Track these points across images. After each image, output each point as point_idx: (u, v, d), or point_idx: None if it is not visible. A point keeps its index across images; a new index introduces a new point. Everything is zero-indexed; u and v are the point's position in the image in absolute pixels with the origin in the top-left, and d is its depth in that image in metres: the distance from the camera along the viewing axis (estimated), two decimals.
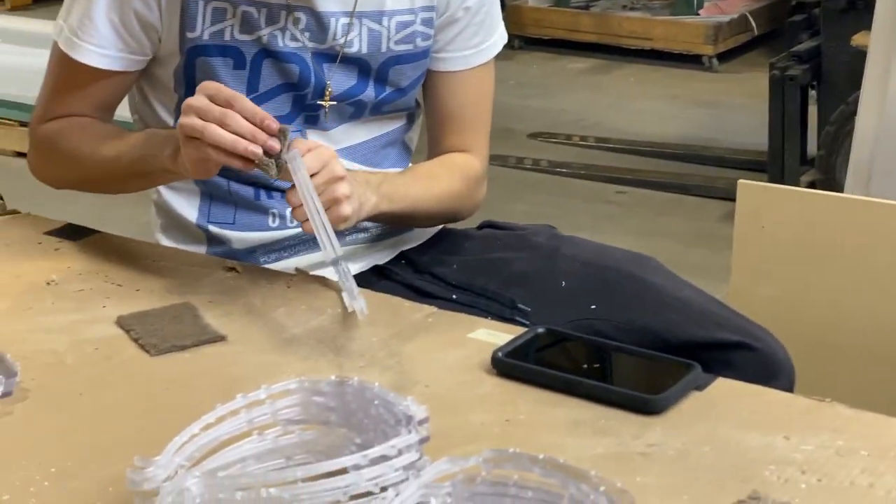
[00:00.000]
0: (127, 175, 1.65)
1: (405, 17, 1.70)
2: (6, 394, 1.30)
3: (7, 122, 4.55)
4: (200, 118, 1.45)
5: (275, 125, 1.46)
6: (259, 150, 1.44)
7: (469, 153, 1.79)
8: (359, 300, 1.45)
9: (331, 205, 1.48)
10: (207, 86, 1.48)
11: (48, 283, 1.57)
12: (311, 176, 1.46)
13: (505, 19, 1.82)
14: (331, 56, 1.68)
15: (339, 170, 1.49)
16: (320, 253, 1.51)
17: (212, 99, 1.46)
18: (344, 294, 1.48)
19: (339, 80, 1.69)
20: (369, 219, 1.64)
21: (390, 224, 1.76)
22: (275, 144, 1.45)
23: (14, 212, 1.78)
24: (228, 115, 1.44)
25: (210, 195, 1.73)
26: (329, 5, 1.65)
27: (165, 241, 1.77)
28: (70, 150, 1.70)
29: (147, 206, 1.83)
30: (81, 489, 1.15)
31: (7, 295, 1.54)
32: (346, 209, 1.49)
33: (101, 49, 1.65)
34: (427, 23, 1.72)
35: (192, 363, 1.39)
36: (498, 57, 1.81)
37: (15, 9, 6.33)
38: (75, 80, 1.69)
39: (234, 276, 1.60)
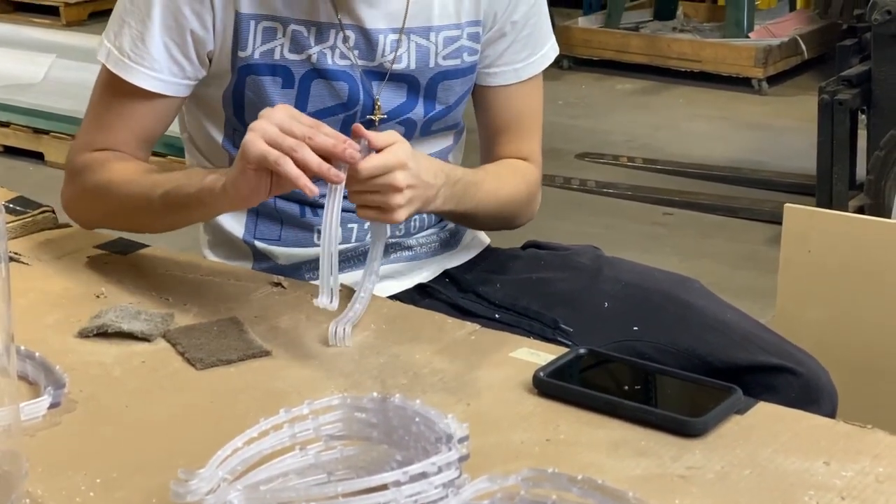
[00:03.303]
0: (160, 208, 1.60)
1: (452, 31, 1.72)
2: (55, 404, 1.32)
3: (62, 136, 4.59)
4: (273, 146, 1.42)
5: (357, 156, 1.44)
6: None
7: (526, 161, 1.81)
8: (329, 298, 1.44)
9: (381, 204, 1.48)
10: (274, 114, 1.45)
11: (97, 296, 1.59)
12: (372, 178, 1.45)
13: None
14: (379, 74, 1.69)
15: (400, 180, 1.47)
16: (364, 270, 1.53)
17: (283, 127, 1.43)
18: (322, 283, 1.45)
19: (388, 98, 1.70)
20: (428, 210, 1.63)
21: (448, 219, 1.78)
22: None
23: (65, 225, 1.80)
24: (301, 148, 1.42)
25: (257, 212, 1.75)
26: (378, 22, 1.67)
27: (213, 257, 1.79)
28: (105, 180, 1.65)
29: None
30: (126, 500, 1.17)
31: (57, 307, 1.56)
32: (393, 217, 1.49)
33: (155, 73, 1.64)
34: (473, 37, 1.73)
35: (236, 377, 1.40)
36: (547, 77, 1.82)
37: (70, 24, 6.41)
38: (122, 105, 1.68)
39: (279, 291, 1.61)
